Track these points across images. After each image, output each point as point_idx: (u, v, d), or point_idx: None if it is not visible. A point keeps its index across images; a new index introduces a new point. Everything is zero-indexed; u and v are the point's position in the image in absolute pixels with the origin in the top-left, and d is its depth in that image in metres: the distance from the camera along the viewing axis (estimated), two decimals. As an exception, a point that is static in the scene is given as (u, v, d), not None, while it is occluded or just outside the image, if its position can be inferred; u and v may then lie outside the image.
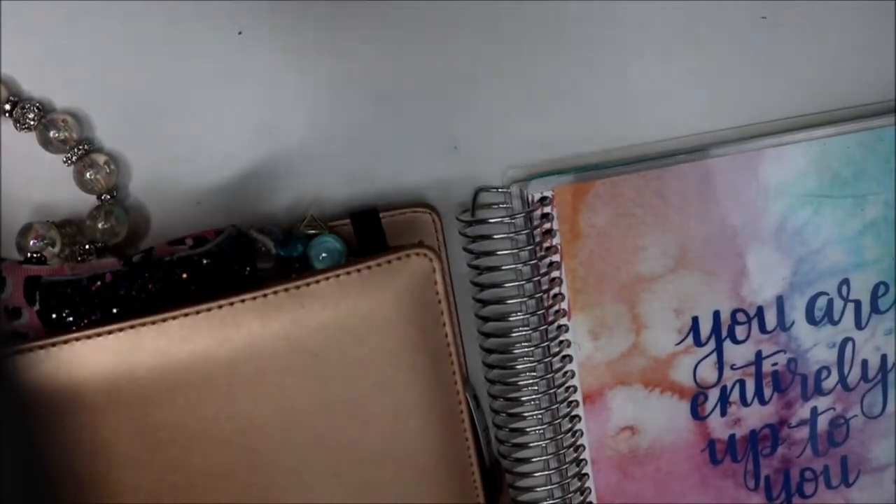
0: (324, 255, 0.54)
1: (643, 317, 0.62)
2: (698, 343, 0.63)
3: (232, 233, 0.52)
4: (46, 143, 0.54)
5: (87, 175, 0.54)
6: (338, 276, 0.51)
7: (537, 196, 0.59)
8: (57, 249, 0.54)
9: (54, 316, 0.49)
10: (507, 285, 0.60)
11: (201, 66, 0.55)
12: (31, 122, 0.54)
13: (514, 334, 0.61)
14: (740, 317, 0.62)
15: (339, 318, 0.51)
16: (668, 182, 0.60)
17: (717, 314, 0.62)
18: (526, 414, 0.62)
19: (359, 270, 0.51)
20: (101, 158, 0.55)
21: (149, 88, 0.55)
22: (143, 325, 0.48)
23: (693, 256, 0.61)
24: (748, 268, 0.62)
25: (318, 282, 0.51)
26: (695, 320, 0.62)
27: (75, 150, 0.54)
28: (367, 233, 0.56)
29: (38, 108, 0.54)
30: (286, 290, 0.50)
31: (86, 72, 0.54)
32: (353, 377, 0.52)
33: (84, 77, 0.54)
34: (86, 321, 0.49)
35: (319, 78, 0.57)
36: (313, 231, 0.55)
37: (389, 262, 0.51)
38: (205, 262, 0.50)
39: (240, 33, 0.55)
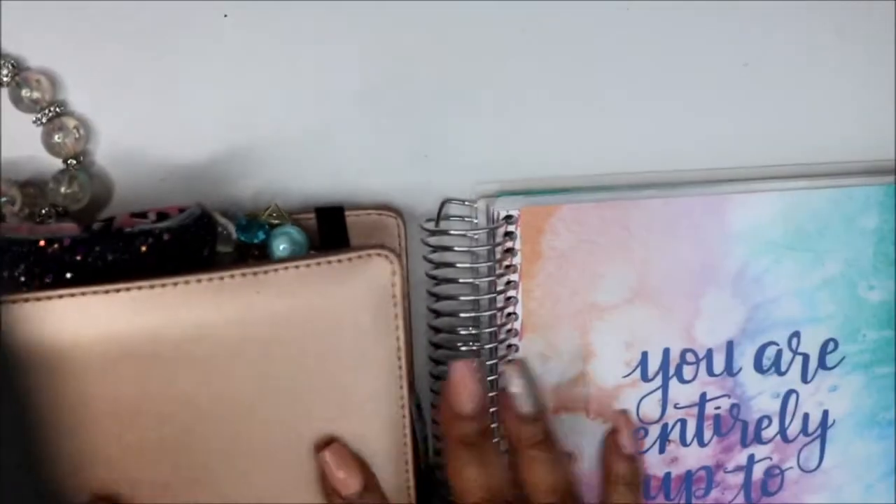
0: (284, 245, 0.54)
1: (594, 345, 0.62)
2: (645, 378, 0.63)
3: (196, 212, 0.51)
4: (17, 101, 0.54)
5: (56, 138, 0.54)
6: (297, 266, 0.51)
7: (503, 213, 0.59)
8: (17, 208, 0.54)
9: (5, 273, 0.48)
10: (462, 298, 0.60)
11: (182, 42, 0.55)
12: (4, 79, 0.53)
13: (463, 348, 0.60)
14: (689, 357, 0.63)
15: (293, 309, 0.51)
16: (633, 214, 0.60)
17: (667, 351, 0.62)
18: None
19: (318, 264, 0.51)
20: (70, 122, 0.54)
21: (127, 59, 0.55)
22: (95, 293, 0.48)
23: (650, 291, 0.61)
24: (703, 309, 0.62)
25: (276, 270, 0.50)
26: (644, 355, 0.62)
27: (46, 111, 0.54)
28: (331, 229, 0.56)
29: (12, 64, 0.53)
30: (243, 274, 0.50)
31: (65, 36, 0.54)
32: (299, 370, 0.52)
33: (62, 41, 0.54)
34: (38, 283, 0.48)
35: (298, 70, 0.57)
36: (276, 221, 0.55)
37: (350, 259, 0.52)
38: (165, 237, 0.49)
39: (225, 16, 0.55)
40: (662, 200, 0.60)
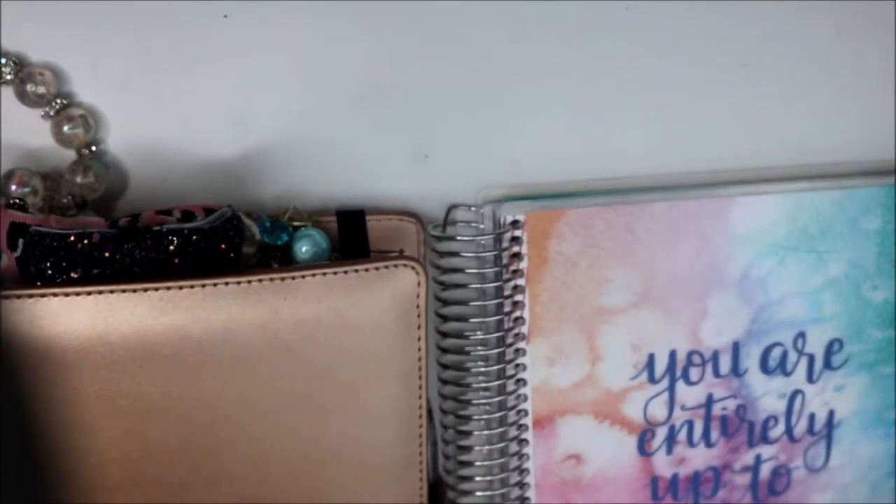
0: (307, 247, 0.54)
1: (600, 348, 0.62)
2: (652, 380, 0.63)
3: (226, 213, 0.51)
4: (23, 97, 0.54)
5: (65, 128, 0.55)
6: (325, 274, 0.51)
7: (509, 219, 0.59)
8: (39, 198, 0.54)
9: (34, 266, 0.48)
10: (470, 304, 0.60)
11: (182, 40, 0.56)
12: (7, 76, 0.54)
13: (471, 353, 0.61)
14: (696, 359, 0.63)
15: (318, 316, 0.51)
16: (639, 218, 0.61)
17: (673, 353, 0.63)
18: (475, 432, 0.62)
19: (346, 272, 0.51)
20: (78, 112, 0.55)
21: (130, 55, 0.55)
22: (124, 291, 0.48)
23: (656, 294, 0.62)
24: (709, 311, 0.63)
25: (303, 277, 0.51)
26: (651, 357, 0.63)
27: (53, 103, 0.54)
28: (351, 233, 0.56)
29: (14, 61, 0.54)
30: (271, 279, 0.50)
31: (67, 32, 0.55)
32: (321, 376, 0.52)
33: (65, 35, 0.55)
34: (65, 277, 0.48)
35: (301, 70, 0.57)
36: (297, 223, 0.55)
37: (377, 269, 0.52)
38: (195, 238, 0.49)
39: (225, 16, 0.56)
40: (667, 204, 0.61)
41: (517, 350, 0.61)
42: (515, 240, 0.60)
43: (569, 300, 0.61)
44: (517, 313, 0.61)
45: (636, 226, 0.61)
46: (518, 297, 0.61)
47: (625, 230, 0.61)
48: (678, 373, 0.63)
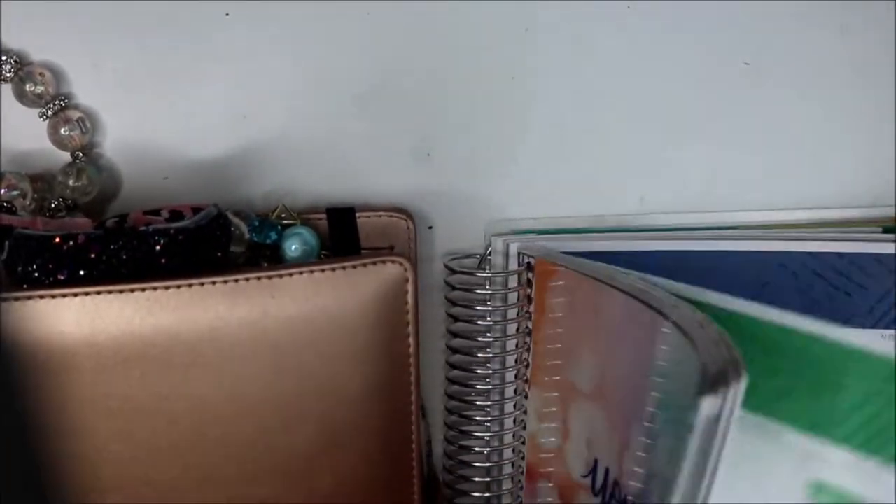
0: (296, 246, 0.55)
1: (570, 425, 0.58)
2: (594, 489, 0.55)
3: (212, 212, 0.51)
4: (21, 96, 0.54)
5: (62, 130, 0.55)
6: (311, 271, 0.51)
7: (525, 259, 0.59)
8: (28, 201, 0.55)
9: (20, 269, 0.48)
10: (478, 339, 0.61)
11: (184, 40, 0.56)
12: (7, 74, 0.54)
13: (478, 385, 0.61)
14: (618, 491, 0.52)
15: (306, 314, 0.51)
16: (604, 300, 0.53)
17: (607, 472, 0.54)
18: (476, 448, 0.63)
19: (333, 269, 0.52)
20: (76, 115, 0.55)
21: (131, 54, 0.56)
22: (110, 292, 0.48)
23: (606, 393, 0.54)
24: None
25: (290, 275, 0.51)
26: (595, 463, 0.55)
27: (51, 104, 0.55)
28: (341, 230, 0.57)
29: (14, 60, 0.54)
30: (258, 278, 0.50)
31: (69, 31, 0.55)
32: (309, 375, 0.52)
33: (66, 36, 0.55)
34: (51, 279, 0.48)
35: (301, 70, 0.58)
36: (286, 221, 0.56)
37: (364, 265, 0.52)
38: (180, 237, 0.49)
39: (227, 14, 0.56)
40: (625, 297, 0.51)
41: (517, 391, 0.61)
42: (530, 282, 0.59)
43: (555, 363, 0.59)
44: (526, 356, 0.60)
45: (602, 307, 0.54)
46: (528, 339, 0.60)
47: (590, 309, 0.55)
48: (608, 494, 0.54)
